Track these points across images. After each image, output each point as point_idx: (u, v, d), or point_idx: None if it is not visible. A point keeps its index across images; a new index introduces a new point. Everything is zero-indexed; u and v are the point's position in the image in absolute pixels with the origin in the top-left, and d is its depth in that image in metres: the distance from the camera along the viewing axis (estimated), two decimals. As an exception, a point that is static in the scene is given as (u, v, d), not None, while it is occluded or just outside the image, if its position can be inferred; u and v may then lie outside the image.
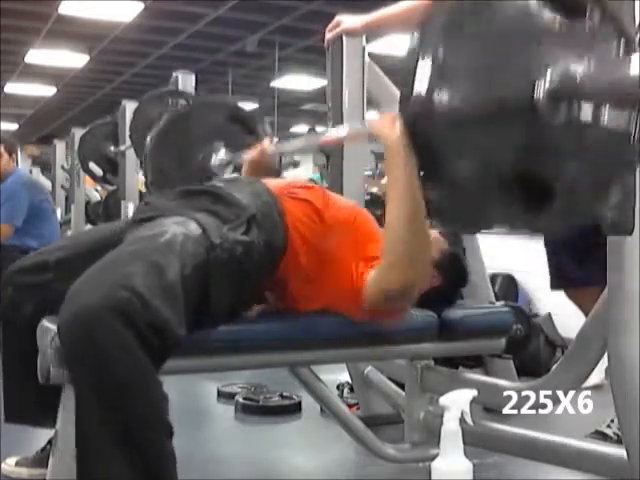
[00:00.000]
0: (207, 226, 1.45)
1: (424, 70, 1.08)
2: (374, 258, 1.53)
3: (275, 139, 2.21)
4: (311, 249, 1.58)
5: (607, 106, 1.07)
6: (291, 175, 10.83)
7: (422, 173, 1.16)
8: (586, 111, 1.07)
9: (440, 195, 1.16)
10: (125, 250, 1.38)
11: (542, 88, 1.05)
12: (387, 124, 1.39)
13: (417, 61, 1.08)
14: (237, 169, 2.35)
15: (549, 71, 1.06)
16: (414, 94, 1.09)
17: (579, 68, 1.07)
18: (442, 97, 1.08)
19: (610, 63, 1.10)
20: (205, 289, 1.41)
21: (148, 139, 2.52)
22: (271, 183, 1.68)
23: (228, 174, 2.44)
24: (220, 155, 2.46)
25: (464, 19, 1.09)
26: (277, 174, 2.47)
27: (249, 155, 2.16)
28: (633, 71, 1.06)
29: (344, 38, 2.39)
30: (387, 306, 1.53)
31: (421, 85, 1.08)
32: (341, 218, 1.65)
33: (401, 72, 1.11)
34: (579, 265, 2.27)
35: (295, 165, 14.49)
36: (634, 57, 1.07)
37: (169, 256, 1.34)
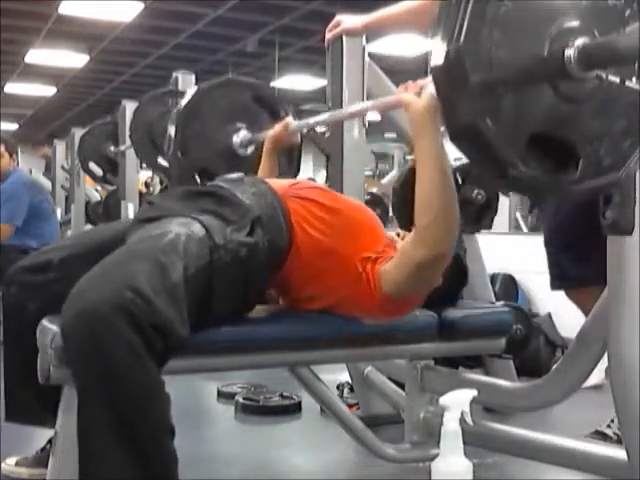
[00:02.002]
0: (211, 227, 1.44)
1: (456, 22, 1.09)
2: (382, 256, 1.53)
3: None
4: (316, 248, 1.58)
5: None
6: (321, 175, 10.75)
7: (449, 134, 1.16)
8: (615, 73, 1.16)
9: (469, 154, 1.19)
10: (128, 250, 1.38)
11: (573, 50, 1.13)
12: (413, 93, 1.46)
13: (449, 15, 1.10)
14: (258, 148, 2.34)
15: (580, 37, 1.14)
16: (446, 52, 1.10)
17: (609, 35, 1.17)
18: (475, 54, 1.10)
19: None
20: (208, 290, 1.41)
21: (174, 113, 2.49)
22: (275, 184, 1.68)
23: (250, 151, 2.45)
24: (242, 134, 2.46)
25: None
26: (298, 152, 2.48)
27: (271, 131, 2.17)
28: None
29: (344, 38, 2.39)
30: (415, 286, 1.52)
31: (454, 41, 1.10)
32: (350, 216, 1.64)
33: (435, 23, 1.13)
34: (579, 265, 2.27)
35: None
36: None
37: (172, 256, 1.34)
